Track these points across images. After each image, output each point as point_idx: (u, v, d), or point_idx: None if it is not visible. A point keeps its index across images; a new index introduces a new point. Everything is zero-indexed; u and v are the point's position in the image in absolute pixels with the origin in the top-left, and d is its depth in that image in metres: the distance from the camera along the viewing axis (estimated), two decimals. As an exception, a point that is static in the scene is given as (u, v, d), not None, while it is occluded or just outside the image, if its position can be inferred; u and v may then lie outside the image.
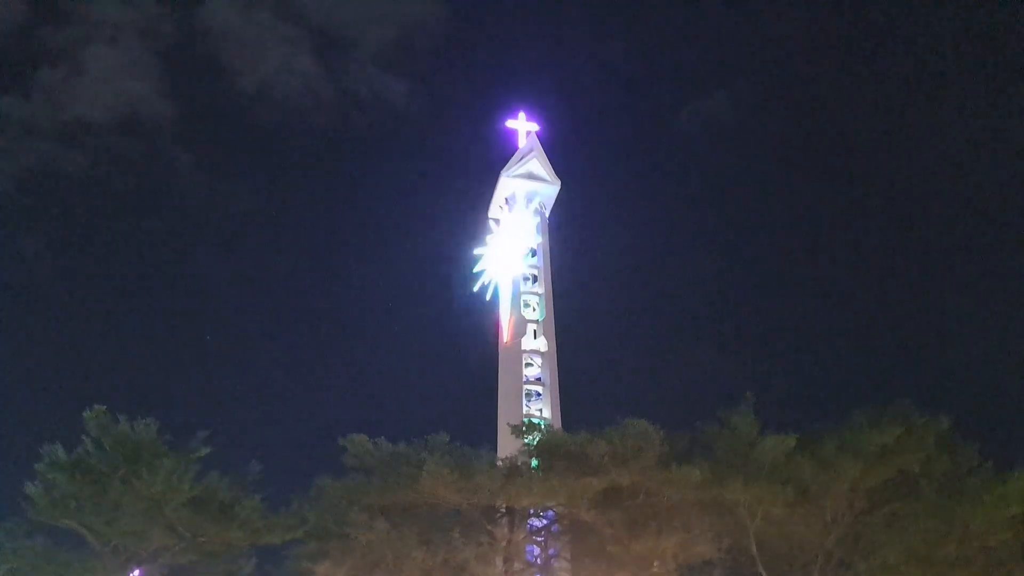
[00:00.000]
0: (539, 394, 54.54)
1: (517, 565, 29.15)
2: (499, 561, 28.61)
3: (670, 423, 29.92)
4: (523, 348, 56.30)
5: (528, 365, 55.55)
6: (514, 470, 28.99)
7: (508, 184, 61.45)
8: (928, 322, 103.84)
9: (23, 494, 26.71)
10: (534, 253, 59.94)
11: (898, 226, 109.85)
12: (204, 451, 27.98)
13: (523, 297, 57.99)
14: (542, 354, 55.88)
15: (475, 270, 61.83)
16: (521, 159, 61.70)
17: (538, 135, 63.55)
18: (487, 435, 53.33)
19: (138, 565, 27.06)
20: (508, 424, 32.85)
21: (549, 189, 61.86)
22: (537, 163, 61.59)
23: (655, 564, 28.01)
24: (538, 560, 30.59)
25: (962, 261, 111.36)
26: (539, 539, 30.46)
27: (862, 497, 27.78)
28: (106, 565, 26.36)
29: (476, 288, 62.03)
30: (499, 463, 29.91)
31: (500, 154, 63.97)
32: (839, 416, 29.31)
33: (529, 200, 60.99)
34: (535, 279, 58.79)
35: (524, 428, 31.25)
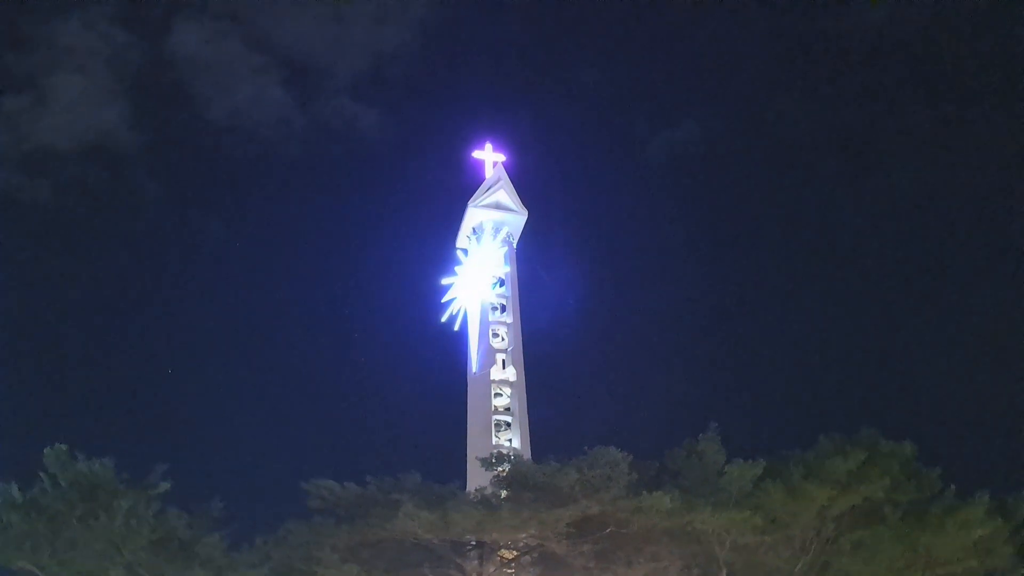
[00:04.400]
0: (508, 424, 54.33)
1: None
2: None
3: (639, 451, 29.92)
4: (492, 378, 56.16)
5: (497, 395, 55.37)
6: (484, 503, 28.76)
7: (475, 214, 61.61)
8: (891, 349, 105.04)
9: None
10: (502, 283, 59.98)
11: (864, 253, 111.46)
12: (164, 487, 27.43)
13: (492, 327, 57.92)
14: (511, 384, 55.74)
15: (443, 300, 61.74)
16: (488, 189, 61.93)
17: (505, 165, 63.88)
18: (456, 465, 53.05)
19: None
20: (477, 457, 32.62)
21: (516, 219, 62.06)
22: (504, 193, 61.83)
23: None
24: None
25: (924, 288, 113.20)
26: (509, 571, 30.13)
27: (830, 524, 27.87)
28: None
29: (445, 318, 61.92)
30: (470, 495, 29.67)
31: (469, 184, 64.13)
32: (806, 442, 29.50)
33: (497, 230, 61.19)
34: (503, 308, 58.78)
35: (493, 460, 31.03)
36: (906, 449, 28.33)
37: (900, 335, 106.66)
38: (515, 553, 30.26)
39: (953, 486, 28.51)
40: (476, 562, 28.78)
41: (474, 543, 28.95)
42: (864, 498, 27.56)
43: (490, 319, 58.50)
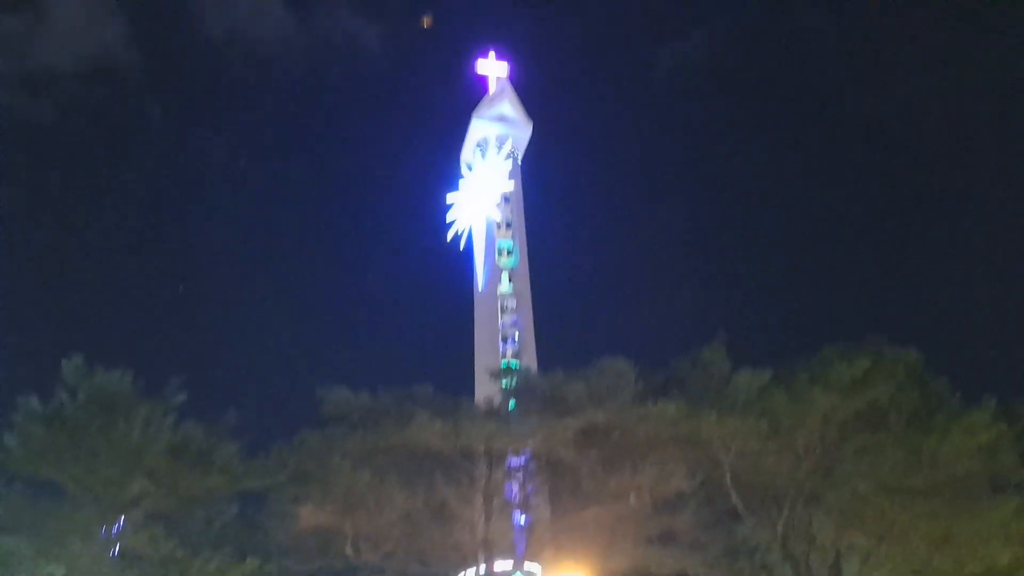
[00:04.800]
0: (515, 339, 54.87)
1: (496, 503, 29.61)
2: (479, 500, 29.08)
3: (645, 362, 30.37)
4: (498, 294, 56.50)
5: (503, 311, 55.80)
6: (493, 414, 29.32)
7: (479, 127, 61.01)
8: (896, 256, 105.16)
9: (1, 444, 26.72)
10: (507, 199, 59.79)
11: (871, 160, 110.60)
12: (180, 399, 28.04)
13: (497, 243, 58.01)
14: (517, 300, 56.11)
15: (448, 218, 61.67)
16: (492, 101, 61.21)
17: (510, 78, 62.99)
18: (464, 379, 53.85)
19: (119, 513, 27.12)
20: (486, 370, 33.18)
21: (521, 131, 61.48)
22: (508, 105, 61.14)
23: (631, 499, 28.57)
24: (516, 498, 31.03)
25: (930, 193, 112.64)
26: (517, 478, 30.87)
27: (833, 430, 28.32)
28: (87, 514, 26.41)
29: (450, 236, 61.95)
30: (479, 406, 30.23)
31: (473, 99, 63.41)
32: (811, 351, 29.80)
33: (501, 143, 60.62)
34: (508, 225, 58.75)
35: (501, 373, 31.55)
36: (911, 356, 28.55)
37: (905, 242, 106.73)
38: (523, 460, 30.92)
39: (958, 392, 28.85)
40: (485, 469, 29.43)
41: (483, 451, 29.57)
42: (868, 404, 27.92)
43: (495, 236, 58.57)
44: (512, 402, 29.99)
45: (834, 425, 28.16)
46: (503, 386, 30.88)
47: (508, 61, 63.87)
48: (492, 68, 63.16)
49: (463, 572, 42.03)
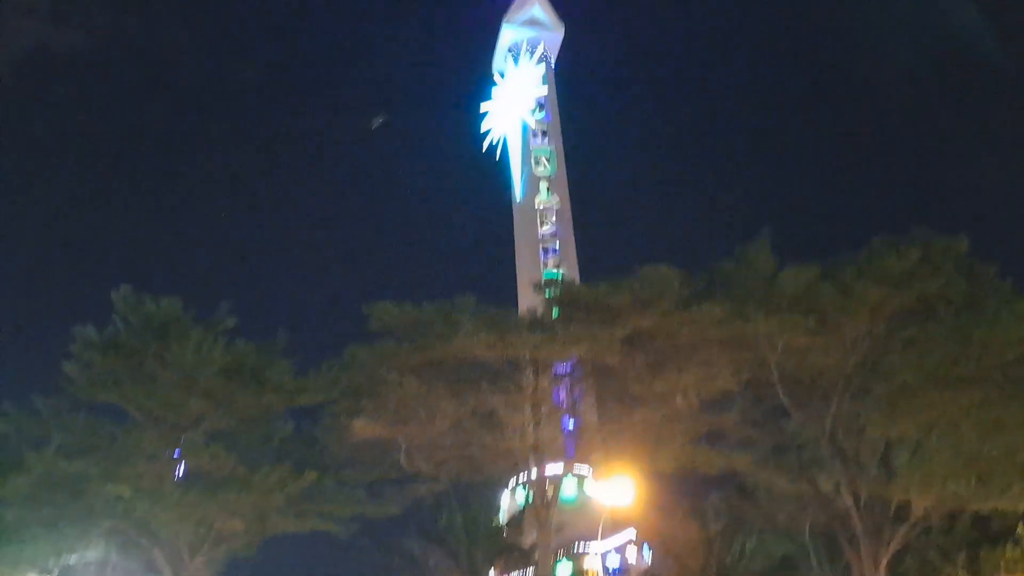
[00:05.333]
0: (556, 250, 54.74)
1: (544, 409, 30.00)
2: (527, 407, 29.45)
3: (689, 265, 30.11)
4: (536, 204, 56.14)
5: (543, 221, 55.54)
6: (537, 323, 29.43)
7: (510, 33, 59.70)
8: (945, 144, 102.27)
9: (62, 373, 27.63)
10: (542, 107, 58.81)
11: (912, 46, 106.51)
12: (230, 322, 28.66)
13: (533, 153, 57.34)
14: (556, 210, 55.75)
15: (483, 128, 60.91)
16: (522, 5, 59.74)
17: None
18: (507, 292, 54.07)
19: (180, 434, 28.05)
20: (529, 281, 33.19)
21: (552, 35, 60.07)
22: (539, 8, 59.65)
23: (677, 400, 28.72)
24: (564, 404, 31.44)
25: (973, 80, 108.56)
26: (564, 384, 31.18)
27: (882, 323, 27.96)
28: (149, 436, 27.37)
29: (485, 147, 61.30)
30: (523, 317, 30.38)
31: (502, 4, 61.88)
32: (859, 245, 29.26)
33: (532, 48, 59.35)
34: (544, 134, 57.95)
35: (544, 284, 31.54)
36: (960, 244, 27.91)
37: (950, 129, 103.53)
38: (569, 367, 31.18)
39: (1009, 279, 28.28)
40: (532, 377, 29.70)
41: (529, 360, 29.81)
42: (917, 295, 27.49)
43: (531, 145, 57.84)
44: (555, 311, 30.00)
45: (882, 318, 27.79)
46: (546, 296, 30.83)
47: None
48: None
49: (514, 477, 43.20)
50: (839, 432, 28.73)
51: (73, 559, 28.19)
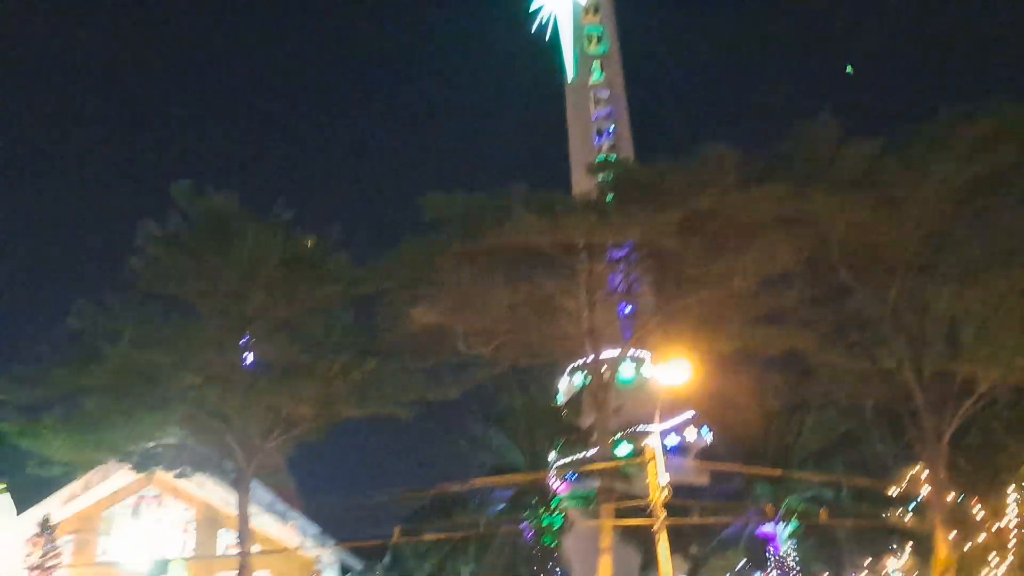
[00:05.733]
0: (609, 132, 53.72)
1: (599, 294, 29.94)
2: (582, 292, 29.43)
3: (748, 144, 29.26)
4: (589, 85, 54.81)
5: (596, 102, 54.32)
6: (591, 207, 29.06)
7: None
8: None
9: (130, 269, 28.45)
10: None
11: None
12: (287, 216, 29.04)
13: (585, 30, 55.60)
14: (609, 89, 54.38)
15: (532, 6, 59.14)
16: None
17: None
18: (560, 177, 53.43)
19: (245, 324, 28.83)
20: (582, 164, 32.68)
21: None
22: None
23: (736, 281, 28.37)
24: (620, 288, 31.31)
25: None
26: (620, 269, 30.98)
27: (950, 197, 27.00)
28: (215, 327, 28.22)
29: (534, 28, 59.67)
30: (576, 201, 30.02)
31: None
32: (927, 118, 28.01)
33: (582, -79, 56.92)
34: (596, 9, 55.99)
35: (598, 166, 30.96)
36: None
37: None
38: (625, 251, 30.91)
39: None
40: (587, 262, 29.57)
41: (584, 245, 29.62)
42: (989, 168, 26.36)
43: (582, 23, 56.03)
44: (610, 196, 29.56)
45: (951, 191, 26.81)
46: (600, 179, 30.33)
47: None
48: None
49: (571, 362, 43.76)
50: (903, 309, 28.24)
51: (152, 444, 29.60)
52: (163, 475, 37.37)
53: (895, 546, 35.50)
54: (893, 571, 34.31)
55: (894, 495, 33.09)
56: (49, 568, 36.81)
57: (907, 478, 32.66)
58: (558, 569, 36.30)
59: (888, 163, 26.45)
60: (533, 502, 35.17)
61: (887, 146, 26.95)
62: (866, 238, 28.13)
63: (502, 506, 35.81)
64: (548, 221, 27.05)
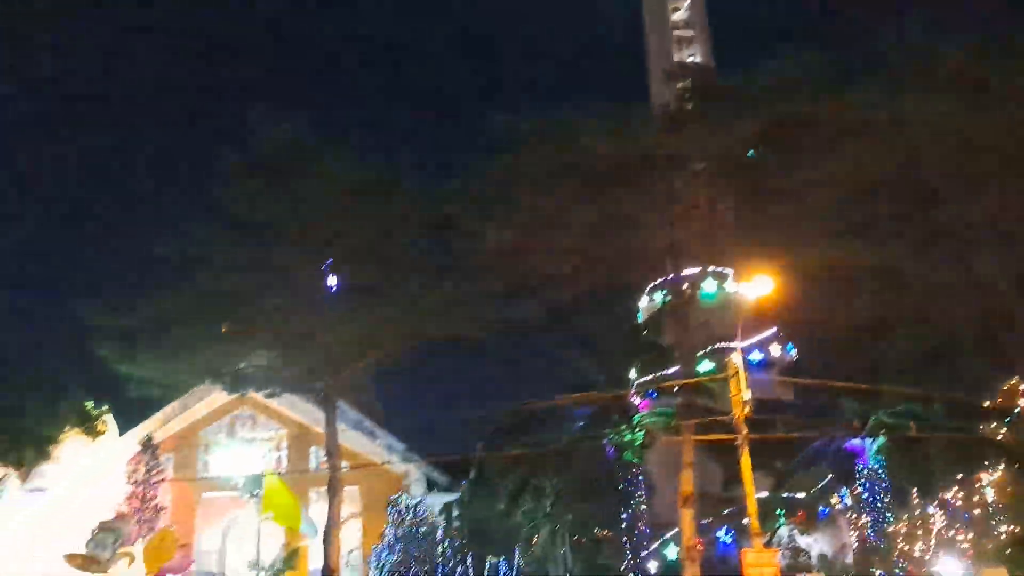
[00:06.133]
0: (689, 39, 51.84)
1: (680, 209, 29.24)
2: (662, 208, 28.77)
3: (835, 47, 27.78)
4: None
5: (675, 9, 52.36)
6: (670, 117, 28.20)
7: None
8: None
9: (212, 197, 29.10)
10: None
11: None
12: (359, 141, 29.09)
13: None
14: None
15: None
16: None
17: None
18: (637, 88, 52.02)
19: (324, 248, 29.18)
20: (660, 72, 31.63)
21: None
22: None
23: (821, 191, 27.30)
24: (700, 202, 30.48)
25: None
26: (700, 182, 30.13)
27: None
28: (297, 251, 28.69)
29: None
30: (654, 112, 29.16)
31: None
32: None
33: None
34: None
35: (677, 73, 29.91)
36: None
37: None
38: (705, 163, 30.01)
39: None
40: (665, 176, 28.82)
41: (663, 157, 28.81)
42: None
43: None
44: (690, 105, 28.56)
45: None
46: (679, 88, 29.30)
47: None
48: None
49: (652, 283, 43.25)
50: (1000, 216, 26.84)
51: (242, 366, 30.60)
52: (255, 396, 38.82)
53: (988, 461, 34.59)
54: (986, 485, 33.47)
55: (989, 409, 32.15)
56: (153, 484, 38.93)
57: (1003, 392, 31.65)
58: (639, 484, 36.65)
59: (987, 63, 24.76)
60: (614, 419, 35.33)
61: (987, 42, 25.23)
62: (963, 142, 26.64)
63: (583, 423, 36.10)
64: (626, 134, 26.37)
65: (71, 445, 38.46)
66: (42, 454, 37.12)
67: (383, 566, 34.90)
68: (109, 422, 40.39)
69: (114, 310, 29.01)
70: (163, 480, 39.86)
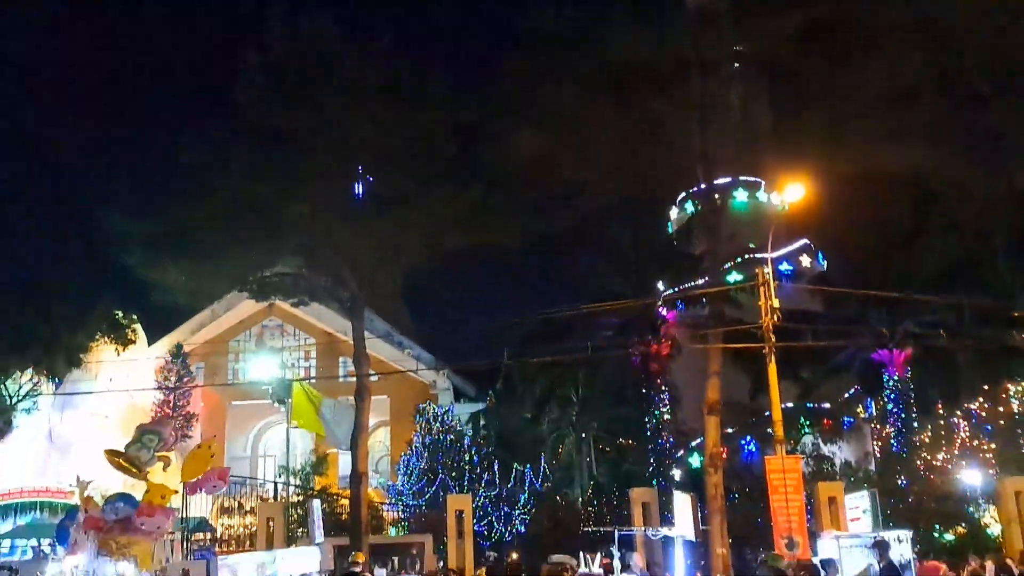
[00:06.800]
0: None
1: (713, 115, 28.42)
2: (694, 112, 27.95)
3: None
4: None
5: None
6: (705, 16, 27.17)
7: None
8: None
9: (233, 101, 28.56)
10: None
11: None
12: (386, 40, 28.41)
13: None
14: None
15: None
16: None
17: None
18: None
19: (350, 154, 28.75)
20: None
21: None
22: None
23: (859, 95, 26.48)
24: (734, 106, 29.63)
25: None
26: (734, 85, 29.26)
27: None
28: (320, 156, 28.27)
29: None
30: (687, 9, 28.07)
31: None
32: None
33: None
34: None
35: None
36: None
37: None
38: (739, 65, 29.11)
39: None
40: (698, 79, 27.94)
41: (696, 60, 27.90)
42: None
43: None
44: (724, 1, 27.48)
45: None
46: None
47: None
48: None
49: (682, 194, 42.62)
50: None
51: (268, 273, 30.54)
52: (283, 306, 38.98)
53: (1016, 371, 34.30)
54: (1012, 395, 33.23)
55: (1019, 319, 31.77)
56: (183, 392, 39.55)
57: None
58: (665, 393, 36.79)
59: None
60: (641, 329, 35.29)
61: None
62: (1007, 42, 25.58)
63: (610, 333, 36.08)
64: (658, 33, 25.49)
65: (101, 354, 38.96)
66: (73, 362, 37.65)
67: (411, 472, 35.48)
68: (139, 331, 40.84)
69: (139, 217, 28.93)
70: (194, 387, 40.45)
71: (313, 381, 40.30)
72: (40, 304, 35.64)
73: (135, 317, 39.94)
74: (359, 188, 29.53)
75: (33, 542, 31.06)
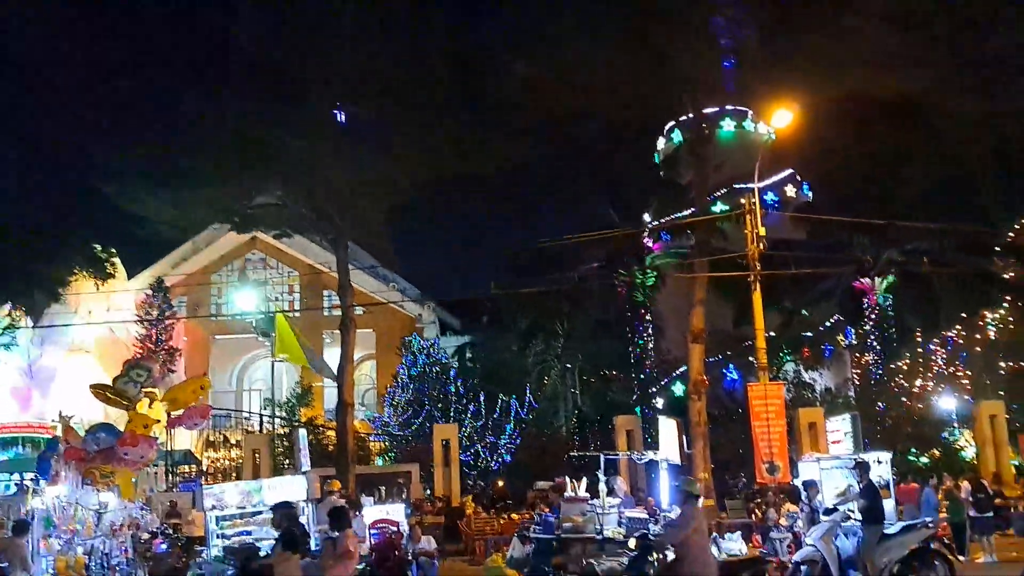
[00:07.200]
0: None
1: (701, 41, 27.79)
2: (684, 39, 27.42)
3: None
4: None
5: None
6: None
7: None
8: None
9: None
10: None
11: None
12: None
13: None
14: None
15: None
16: None
17: None
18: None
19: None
20: None
21: None
22: None
23: (851, 20, 26.04)
24: (724, 33, 29.08)
25: None
26: (724, 11, 28.72)
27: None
28: (308, 84, 27.60)
29: None
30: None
31: None
32: None
33: None
34: None
35: None
36: None
37: None
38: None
39: None
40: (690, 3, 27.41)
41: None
42: None
43: None
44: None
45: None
46: None
47: None
48: None
49: (670, 123, 42.25)
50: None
51: (250, 204, 30.08)
52: (266, 239, 38.52)
53: (994, 299, 34.72)
54: (989, 322, 33.72)
55: (1001, 246, 32.12)
56: (166, 326, 39.14)
57: (1017, 228, 31.55)
58: (650, 324, 37.03)
59: None
60: (627, 260, 35.32)
61: None
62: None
63: (596, 264, 36.10)
64: None
65: (81, 288, 38.34)
66: (51, 296, 37.08)
67: (398, 404, 35.64)
68: (118, 265, 40.15)
69: (120, 147, 28.34)
70: (176, 321, 40.05)
71: (297, 314, 40.13)
72: (17, 238, 34.88)
73: (114, 251, 39.12)
74: (342, 116, 28.95)
75: (16, 477, 30.87)
